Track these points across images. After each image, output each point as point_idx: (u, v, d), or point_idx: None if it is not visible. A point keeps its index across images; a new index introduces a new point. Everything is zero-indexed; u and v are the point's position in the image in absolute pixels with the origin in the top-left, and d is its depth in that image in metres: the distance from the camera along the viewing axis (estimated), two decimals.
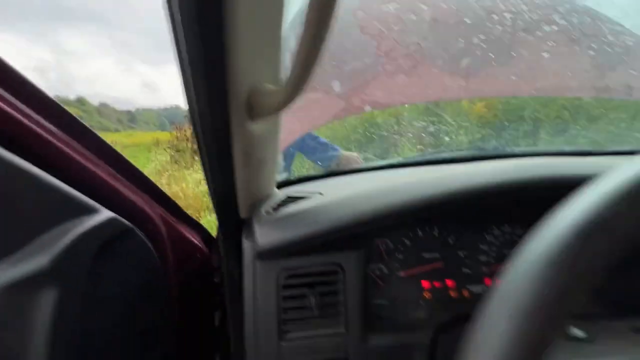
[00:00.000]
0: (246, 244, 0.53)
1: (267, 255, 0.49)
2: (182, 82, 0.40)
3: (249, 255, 0.52)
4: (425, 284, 0.60)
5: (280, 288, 0.49)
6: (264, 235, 0.49)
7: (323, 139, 1.23)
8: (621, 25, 1.16)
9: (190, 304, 0.83)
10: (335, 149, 1.20)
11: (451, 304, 0.58)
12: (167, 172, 5.18)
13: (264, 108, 0.40)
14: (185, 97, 0.42)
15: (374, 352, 0.48)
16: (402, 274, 0.60)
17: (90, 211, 0.48)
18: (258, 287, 0.49)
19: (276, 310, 0.49)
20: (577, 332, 0.39)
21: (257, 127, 0.44)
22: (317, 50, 0.30)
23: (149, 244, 0.59)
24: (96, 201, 0.50)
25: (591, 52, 1.13)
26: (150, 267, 0.60)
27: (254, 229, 0.51)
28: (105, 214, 0.49)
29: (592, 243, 0.17)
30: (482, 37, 1.08)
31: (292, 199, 0.58)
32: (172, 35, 0.35)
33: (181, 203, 0.88)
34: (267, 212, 0.55)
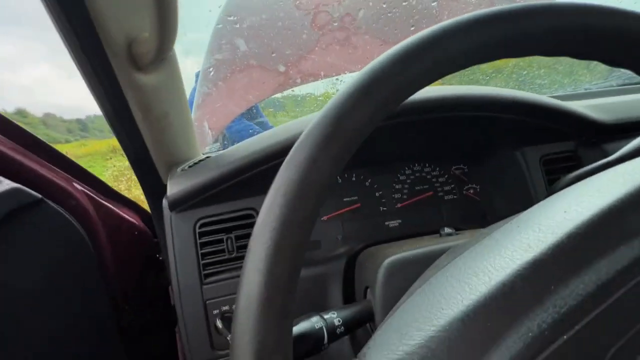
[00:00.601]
0: (164, 203, 0.54)
1: (178, 205, 0.51)
2: (65, 46, 0.41)
3: (166, 212, 0.53)
4: (345, 224, 0.65)
5: (197, 235, 0.52)
6: (174, 187, 0.51)
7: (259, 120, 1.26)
8: None
9: (137, 281, 0.83)
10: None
11: (368, 238, 0.63)
12: (125, 177, 4.95)
13: (146, 56, 0.42)
14: (74, 61, 0.43)
15: None
16: (324, 217, 0.65)
17: None
18: (176, 238, 0.51)
19: (196, 257, 0.51)
20: (448, 229, 0.45)
21: (149, 78, 0.45)
22: None
23: (69, 217, 0.59)
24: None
25: None
26: (74, 239, 0.60)
27: (168, 185, 0.53)
28: (6, 184, 0.48)
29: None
30: (405, 4, 1.13)
31: (210, 157, 0.60)
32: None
33: (144, 205, 0.87)
34: (183, 170, 0.56)
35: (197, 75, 0.96)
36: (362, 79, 0.22)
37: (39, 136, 0.64)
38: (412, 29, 0.92)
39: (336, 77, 1.20)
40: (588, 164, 0.58)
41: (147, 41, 0.40)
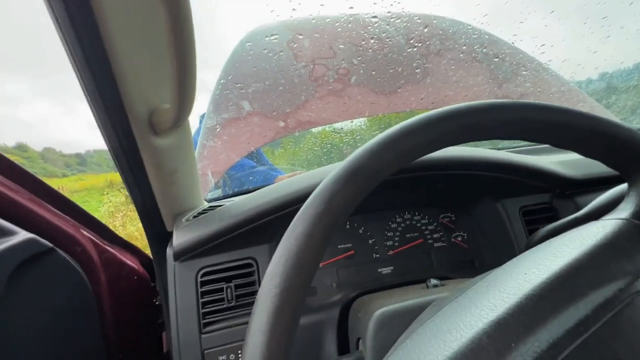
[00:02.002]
0: (168, 251, 0.58)
1: (183, 255, 0.54)
2: (91, 112, 0.47)
3: (170, 260, 0.56)
4: (339, 271, 0.68)
5: (198, 284, 0.54)
6: (179, 237, 0.54)
7: (261, 167, 1.32)
8: (513, 44, 1.41)
9: (132, 326, 0.83)
10: (276, 171, 1.29)
11: (361, 285, 0.66)
12: (120, 213, 4.91)
13: (164, 124, 0.47)
14: (96, 123, 0.48)
15: None
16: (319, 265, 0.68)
17: (7, 233, 0.51)
18: (178, 287, 0.54)
19: (196, 306, 0.53)
20: (434, 281, 0.48)
21: (163, 141, 0.51)
22: (187, 70, 0.38)
23: (75, 264, 0.62)
24: (15, 224, 0.53)
25: (491, 67, 1.36)
26: (77, 286, 0.62)
27: (173, 235, 0.57)
28: (22, 234, 0.52)
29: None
30: (401, 59, 1.24)
31: (213, 207, 0.64)
32: (75, 74, 0.42)
33: (138, 243, 0.89)
34: (187, 220, 0.60)
35: (201, 118, 1.02)
36: (347, 166, 0.27)
37: (37, 171, 0.67)
38: (400, 90, 1.01)
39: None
40: (563, 215, 0.63)
41: (167, 112, 0.46)
